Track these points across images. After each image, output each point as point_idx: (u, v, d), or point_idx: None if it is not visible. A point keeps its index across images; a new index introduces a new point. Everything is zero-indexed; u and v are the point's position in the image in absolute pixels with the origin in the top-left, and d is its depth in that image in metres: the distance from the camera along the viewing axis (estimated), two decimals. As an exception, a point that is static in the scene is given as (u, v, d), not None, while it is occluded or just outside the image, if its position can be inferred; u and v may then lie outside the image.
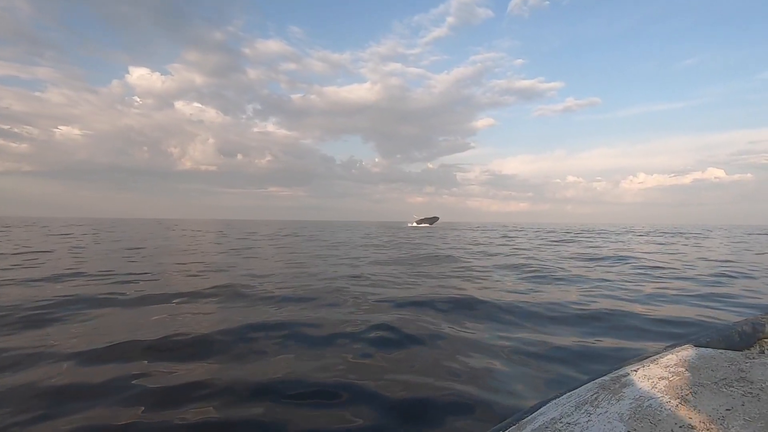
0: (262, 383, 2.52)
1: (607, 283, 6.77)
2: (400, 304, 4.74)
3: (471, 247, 14.84)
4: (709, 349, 1.36)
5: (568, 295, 5.59)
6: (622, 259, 10.78)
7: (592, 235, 28.44)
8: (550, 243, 18.30)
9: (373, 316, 4.21)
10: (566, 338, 3.58)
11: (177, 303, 4.93)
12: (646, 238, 24.19)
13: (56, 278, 6.67)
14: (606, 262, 9.83)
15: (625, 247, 15.58)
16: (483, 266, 8.94)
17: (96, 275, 7.20)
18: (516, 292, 5.82)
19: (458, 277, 7.49)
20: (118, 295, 5.29)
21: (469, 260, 10.19)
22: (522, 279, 7.28)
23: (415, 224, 69.77)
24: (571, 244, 16.99)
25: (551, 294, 5.73)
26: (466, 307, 4.83)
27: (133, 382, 2.56)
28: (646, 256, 11.89)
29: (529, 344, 3.40)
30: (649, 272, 8.27)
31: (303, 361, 2.98)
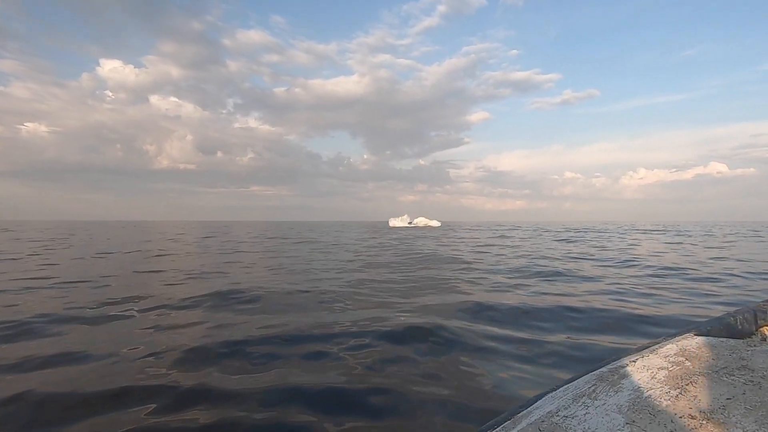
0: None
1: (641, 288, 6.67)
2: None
3: (485, 255, 14.13)
4: (710, 338, 1.39)
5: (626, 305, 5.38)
6: (633, 260, 10.84)
7: (606, 234, 27.95)
8: (563, 244, 18.35)
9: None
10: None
11: (145, 323, 4.41)
12: (662, 237, 23.99)
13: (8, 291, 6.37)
14: (635, 269, 9.22)
15: (639, 247, 15.64)
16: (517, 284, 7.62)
17: (60, 284, 7.05)
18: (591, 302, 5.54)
19: (470, 282, 7.32)
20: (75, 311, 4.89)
21: (480, 266, 9.80)
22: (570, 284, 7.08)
23: (403, 224, 69.94)
24: (587, 245, 16.69)
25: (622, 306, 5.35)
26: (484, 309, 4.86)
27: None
28: (666, 256, 11.89)
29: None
30: (673, 273, 8.25)
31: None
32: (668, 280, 7.41)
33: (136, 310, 4.94)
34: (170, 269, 9.10)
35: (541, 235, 27.31)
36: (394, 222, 75.27)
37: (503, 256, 12.00)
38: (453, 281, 7.45)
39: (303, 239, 22.43)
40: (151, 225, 74.18)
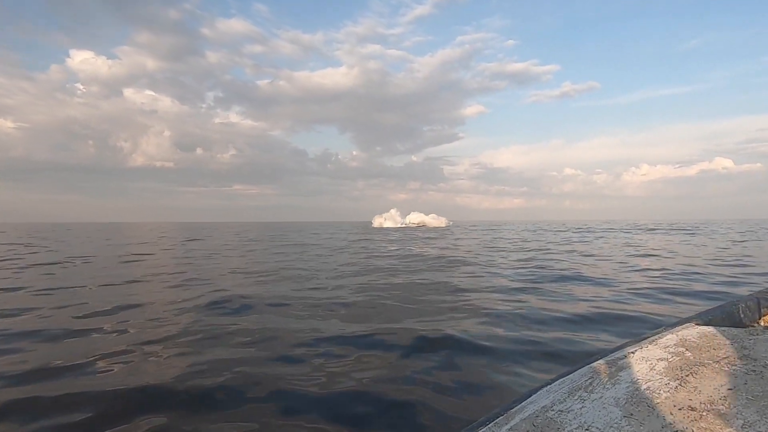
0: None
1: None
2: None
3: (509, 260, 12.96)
4: (711, 327, 1.41)
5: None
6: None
7: (627, 234, 27.44)
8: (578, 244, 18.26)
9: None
10: None
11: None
12: (692, 238, 23.42)
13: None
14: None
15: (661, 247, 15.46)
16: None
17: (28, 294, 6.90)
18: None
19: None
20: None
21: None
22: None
23: (392, 224, 66.37)
24: (610, 248, 16.30)
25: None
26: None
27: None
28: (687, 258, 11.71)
29: None
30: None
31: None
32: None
33: (105, 329, 4.57)
34: (147, 276, 8.99)
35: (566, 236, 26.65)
36: (381, 221, 68.19)
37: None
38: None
39: (288, 242, 22.31)
40: (126, 227, 73.23)
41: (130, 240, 25.26)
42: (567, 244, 18.48)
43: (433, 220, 69.61)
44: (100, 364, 3.37)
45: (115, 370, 3.25)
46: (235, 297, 6.02)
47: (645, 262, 10.68)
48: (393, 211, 72.32)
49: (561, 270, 9.12)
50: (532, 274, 8.50)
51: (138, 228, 63.73)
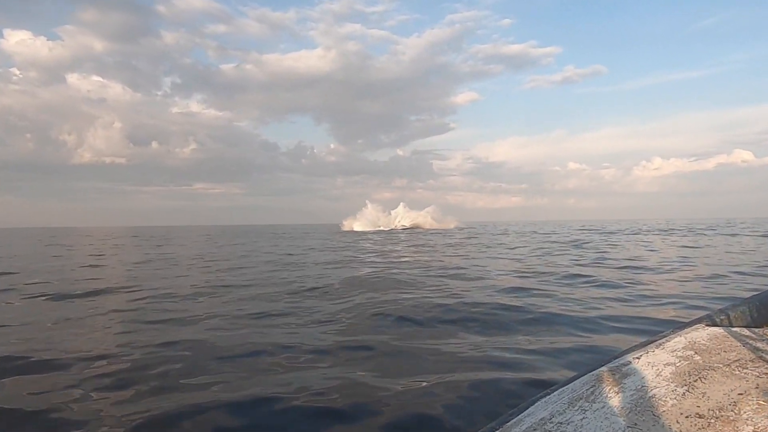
0: None
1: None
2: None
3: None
4: (722, 329, 1.46)
5: None
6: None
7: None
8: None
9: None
10: None
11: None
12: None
13: None
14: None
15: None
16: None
17: None
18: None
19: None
20: None
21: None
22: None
23: (363, 227, 61.20)
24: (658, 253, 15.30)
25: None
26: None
27: None
28: None
29: None
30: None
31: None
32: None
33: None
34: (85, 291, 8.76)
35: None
36: (353, 224, 61.22)
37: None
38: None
39: (250, 252, 22.05)
40: (70, 233, 71.53)
41: (74, 247, 24.66)
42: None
43: (433, 220, 63.29)
44: None
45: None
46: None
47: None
48: (370, 207, 65.76)
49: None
50: None
51: (84, 234, 62.35)
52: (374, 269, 11.28)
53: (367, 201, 67.88)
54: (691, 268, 10.52)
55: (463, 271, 10.37)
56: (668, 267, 10.73)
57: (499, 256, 14.89)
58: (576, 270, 10.29)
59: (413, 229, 58.94)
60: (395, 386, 3.29)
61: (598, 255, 14.25)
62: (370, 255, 16.58)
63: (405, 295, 7.16)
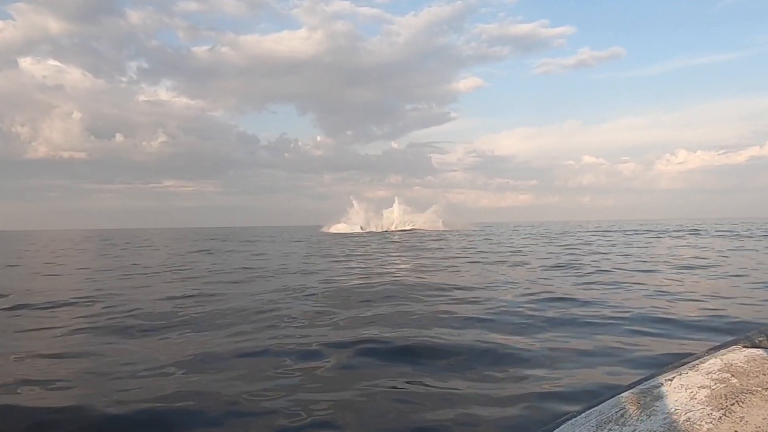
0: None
1: None
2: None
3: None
4: (761, 350, 1.49)
5: None
6: None
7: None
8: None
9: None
10: None
11: None
12: None
13: None
14: None
15: None
16: None
17: None
18: None
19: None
20: None
21: None
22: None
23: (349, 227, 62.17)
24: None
25: None
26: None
27: None
28: None
29: None
30: None
31: None
32: None
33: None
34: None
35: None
36: (337, 225, 62.98)
37: None
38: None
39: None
40: (22, 237, 70.61)
41: (23, 255, 24.33)
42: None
43: (439, 220, 64.22)
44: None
45: None
46: None
47: None
48: (356, 206, 67.25)
49: None
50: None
51: (37, 238, 61.58)
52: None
53: (352, 198, 68.28)
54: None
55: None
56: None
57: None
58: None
59: (413, 231, 58.29)
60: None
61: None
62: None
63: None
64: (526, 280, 10.40)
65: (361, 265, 15.04)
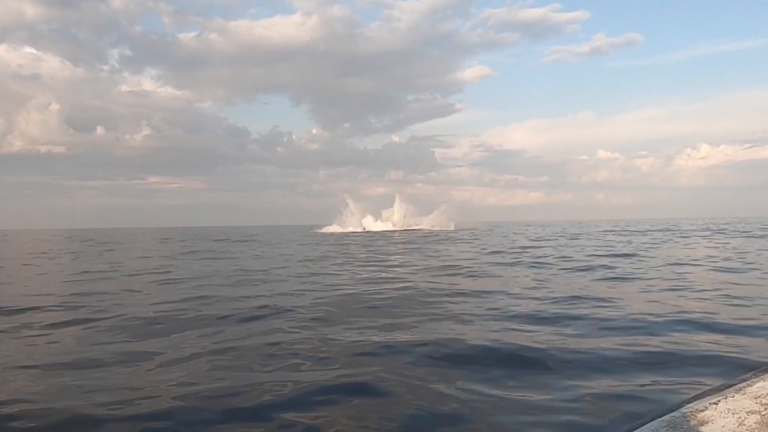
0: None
1: None
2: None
3: None
4: None
5: None
6: None
7: None
8: None
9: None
10: None
11: None
12: None
13: None
14: None
15: None
16: None
17: None
18: None
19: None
20: None
21: None
22: None
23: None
24: None
25: None
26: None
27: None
28: None
29: None
30: None
31: None
32: None
33: None
34: None
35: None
36: (330, 227, 64.26)
37: None
38: None
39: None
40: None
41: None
42: None
43: (444, 224, 64.85)
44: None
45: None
46: None
47: None
48: (352, 205, 68.75)
49: None
50: None
51: (12, 238, 61.30)
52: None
53: (347, 196, 69.61)
54: None
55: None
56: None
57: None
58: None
59: (414, 231, 57.92)
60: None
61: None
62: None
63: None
64: (566, 284, 10.31)
65: (373, 269, 14.71)
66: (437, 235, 45.56)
